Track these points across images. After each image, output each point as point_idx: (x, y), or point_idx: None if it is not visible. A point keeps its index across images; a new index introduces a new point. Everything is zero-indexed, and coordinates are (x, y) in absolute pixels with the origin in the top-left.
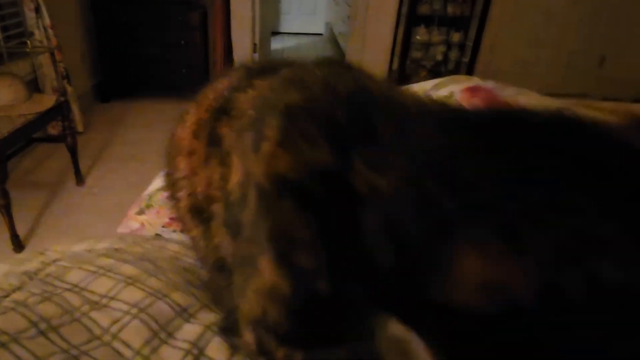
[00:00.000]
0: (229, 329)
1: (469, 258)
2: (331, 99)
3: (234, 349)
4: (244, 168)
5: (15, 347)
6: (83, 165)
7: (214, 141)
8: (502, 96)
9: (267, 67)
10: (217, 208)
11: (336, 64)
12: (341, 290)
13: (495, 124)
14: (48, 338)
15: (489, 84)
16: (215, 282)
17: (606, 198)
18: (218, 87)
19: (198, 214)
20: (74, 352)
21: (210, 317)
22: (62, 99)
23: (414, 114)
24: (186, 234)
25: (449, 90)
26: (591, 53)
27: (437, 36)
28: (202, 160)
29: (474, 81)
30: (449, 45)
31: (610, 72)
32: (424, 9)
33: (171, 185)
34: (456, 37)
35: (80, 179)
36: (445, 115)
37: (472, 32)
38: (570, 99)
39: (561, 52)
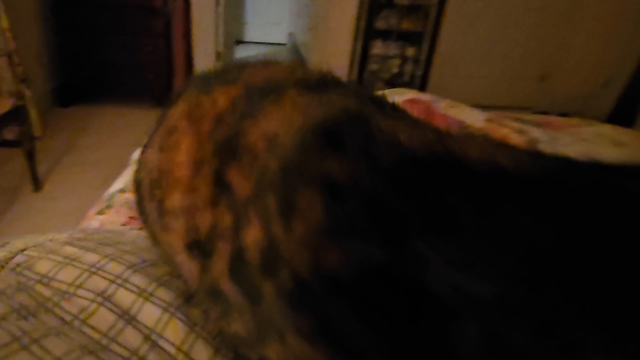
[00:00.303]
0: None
1: None
2: (376, 172)
3: (191, 324)
4: (268, 235)
5: (5, 324)
6: (41, 170)
7: (222, 185)
8: (437, 108)
9: (272, 87)
10: (224, 248)
11: (376, 102)
12: None
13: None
14: (29, 322)
15: (426, 97)
16: (204, 305)
17: None
18: (218, 105)
19: (198, 248)
20: (54, 332)
21: (167, 296)
22: (19, 102)
23: (494, 184)
24: (169, 265)
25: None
26: (534, 69)
27: (393, 50)
28: (207, 201)
29: (413, 94)
30: (404, 58)
31: (552, 87)
32: (380, 24)
33: (160, 209)
34: (411, 51)
35: (37, 185)
36: (536, 182)
37: (426, 47)
38: (510, 111)
39: (507, 68)
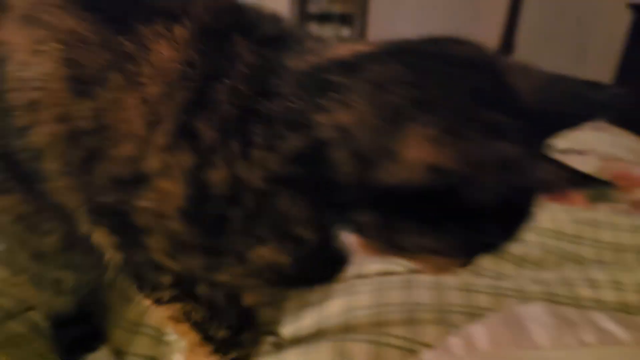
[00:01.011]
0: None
1: (417, 145)
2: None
3: None
4: (231, 173)
5: None
6: None
7: (186, 134)
8: None
9: (222, 35)
10: (171, 186)
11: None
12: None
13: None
14: None
15: None
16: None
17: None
18: (164, 59)
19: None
20: None
21: None
22: None
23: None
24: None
25: None
26: None
27: (329, 32)
28: (161, 148)
29: None
30: (341, 40)
31: None
32: (313, 8)
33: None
34: (346, 33)
35: None
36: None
37: (358, 28)
38: None
39: None
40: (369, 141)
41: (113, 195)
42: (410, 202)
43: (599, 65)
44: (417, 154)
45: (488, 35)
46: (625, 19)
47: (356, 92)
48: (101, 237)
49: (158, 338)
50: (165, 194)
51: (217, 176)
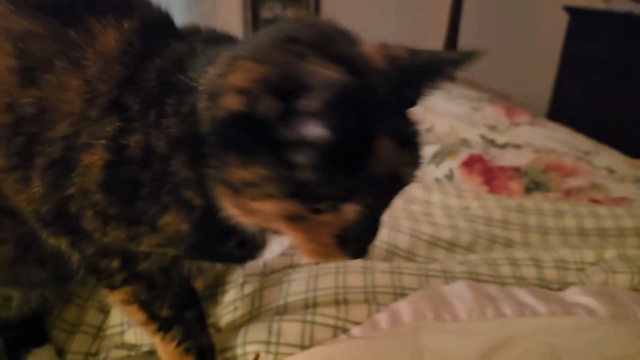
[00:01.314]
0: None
1: (235, 75)
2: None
3: None
4: (145, 140)
5: None
6: None
7: (115, 109)
8: None
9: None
10: (92, 157)
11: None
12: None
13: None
14: None
15: None
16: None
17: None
18: (107, 44)
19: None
20: None
21: None
22: None
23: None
24: None
25: None
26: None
27: None
28: (93, 121)
29: None
30: None
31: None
32: (266, 14)
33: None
34: None
35: None
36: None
37: None
38: None
39: None
40: (216, 82)
41: (52, 190)
42: (230, 133)
43: (543, 62)
44: (233, 81)
45: (437, 36)
46: (563, 20)
47: (222, 57)
48: (57, 242)
49: (97, 335)
50: (87, 168)
51: (133, 140)
